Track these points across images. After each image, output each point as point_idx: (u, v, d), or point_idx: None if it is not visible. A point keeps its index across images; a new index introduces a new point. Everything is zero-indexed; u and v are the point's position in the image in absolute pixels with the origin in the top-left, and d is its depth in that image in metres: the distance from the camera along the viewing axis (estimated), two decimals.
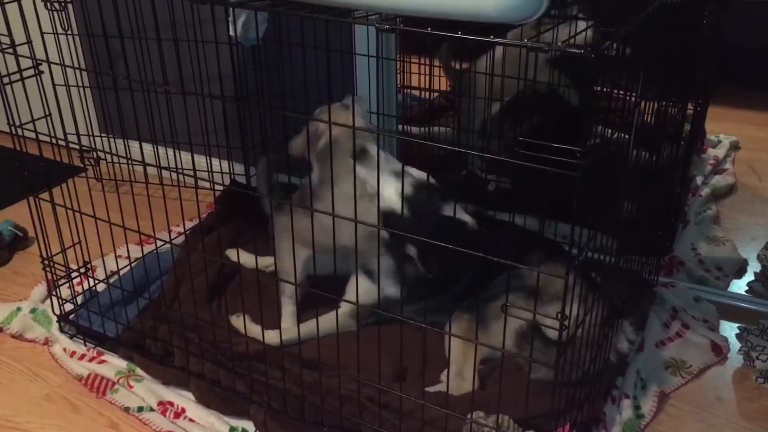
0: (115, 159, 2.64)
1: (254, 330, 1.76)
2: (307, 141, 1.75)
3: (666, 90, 1.70)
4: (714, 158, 2.81)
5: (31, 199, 1.76)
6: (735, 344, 1.86)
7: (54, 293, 1.92)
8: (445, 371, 1.65)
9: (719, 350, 1.85)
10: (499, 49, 2.31)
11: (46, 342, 1.93)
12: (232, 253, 2.14)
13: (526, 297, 1.63)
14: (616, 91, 1.46)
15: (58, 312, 1.93)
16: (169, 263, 1.99)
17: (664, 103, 1.70)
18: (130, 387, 1.74)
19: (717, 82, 2.53)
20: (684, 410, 1.69)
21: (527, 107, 2.25)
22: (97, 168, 2.68)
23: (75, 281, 1.92)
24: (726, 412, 1.68)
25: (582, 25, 1.32)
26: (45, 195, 1.75)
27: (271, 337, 1.72)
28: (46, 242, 1.82)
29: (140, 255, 1.96)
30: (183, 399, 1.70)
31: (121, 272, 1.99)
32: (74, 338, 1.91)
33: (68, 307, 1.94)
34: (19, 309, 2.01)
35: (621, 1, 1.26)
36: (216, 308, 1.95)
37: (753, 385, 1.76)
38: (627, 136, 1.45)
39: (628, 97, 1.46)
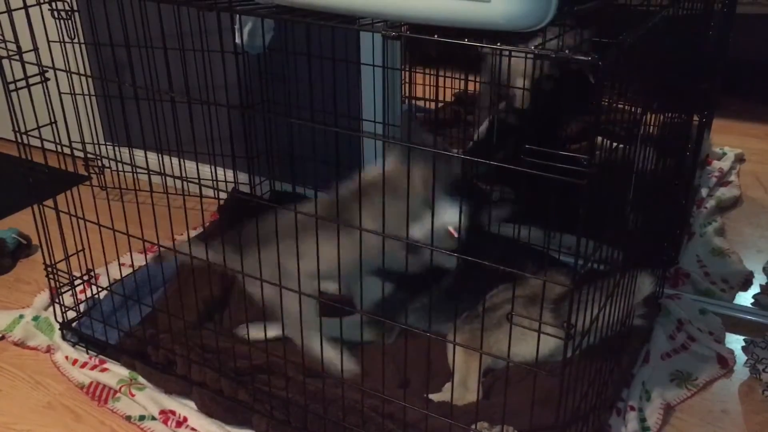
0: (120, 167, 2.65)
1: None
2: None
3: (670, 102, 1.70)
4: (719, 170, 2.81)
5: (35, 206, 1.76)
6: (741, 357, 1.85)
7: (57, 301, 1.91)
8: (449, 382, 1.64)
9: (725, 363, 1.84)
10: None
11: (48, 350, 1.92)
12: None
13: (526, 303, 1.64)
14: (620, 104, 1.46)
15: (60, 320, 1.93)
16: (172, 271, 1.98)
17: (668, 115, 1.69)
18: (132, 395, 1.73)
19: (722, 94, 2.53)
20: (690, 423, 1.67)
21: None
22: (102, 176, 2.69)
23: (78, 289, 1.92)
24: (732, 425, 1.67)
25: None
26: (49, 202, 1.75)
27: None
28: (50, 250, 1.81)
29: (144, 263, 1.96)
30: (185, 408, 1.69)
31: (124, 280, 1.99)
32: (76, 346, 1.90)
33: (71, 314, 1.93)
34: (21, 316, 2.01)
35: (626, 12, 1.26)
36: (218, 316, 1.95)
37: (759, 398, 1.74)
38: (632, 148, 1.44)
39: (632, 109, 1.46)
